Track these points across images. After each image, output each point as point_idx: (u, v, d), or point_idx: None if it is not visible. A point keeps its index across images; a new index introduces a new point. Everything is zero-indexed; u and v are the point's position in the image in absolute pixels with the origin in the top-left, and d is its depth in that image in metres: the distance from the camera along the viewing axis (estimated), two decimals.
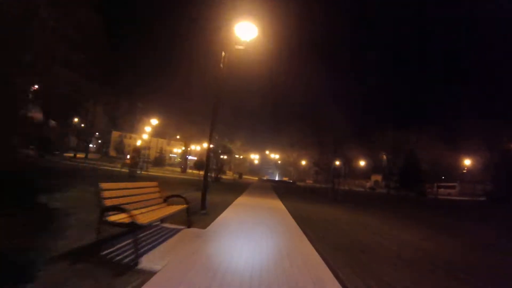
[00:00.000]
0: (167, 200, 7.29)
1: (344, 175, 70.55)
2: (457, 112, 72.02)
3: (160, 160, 67.45)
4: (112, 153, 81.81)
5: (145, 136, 66.04)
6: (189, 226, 7.17)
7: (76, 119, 60.55)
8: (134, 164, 20.85)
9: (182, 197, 7.59)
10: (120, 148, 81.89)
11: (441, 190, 55.13)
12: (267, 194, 22.43)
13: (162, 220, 7.20)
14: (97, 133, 73.94)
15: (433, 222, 14.00)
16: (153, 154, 74.73)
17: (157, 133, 75.19)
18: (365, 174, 79.92)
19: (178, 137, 75.90)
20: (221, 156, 33.15)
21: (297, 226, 8.73)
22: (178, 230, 6.80)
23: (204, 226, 7.52)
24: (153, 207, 6.44)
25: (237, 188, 25.05)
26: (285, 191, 29.38)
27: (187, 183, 23.28)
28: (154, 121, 40.35)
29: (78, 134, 59.62)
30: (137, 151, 22.76)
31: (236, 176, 58.04)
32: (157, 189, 7.16)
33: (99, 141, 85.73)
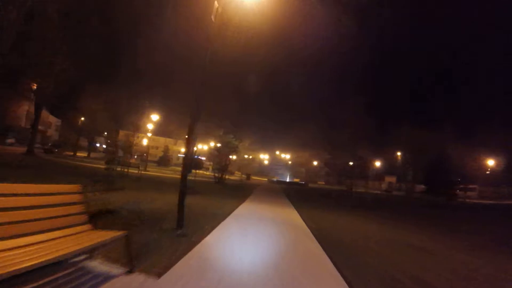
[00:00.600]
0: (95, 219, 3.93)
1: (357, 177, 67.55)
2: (476, 112, 67.76)
3: (165, 160, 64.53)
4: (121, 153, 79.26)
5: (149, 135, 63.45)
6: (130, 270, 3.82)
7: (82, 119, 59.52)
8: (110, 159, 17.60)
9: (123, 213, 4.27)
10: (127, 149, 79.13)
11: (461, 193, 50.99)
12: (278, 199, 19.09)
13: (91, 251, 3.90)
14: (105, 133, 71.69)
15: None
16: (159, 154, 72.25)
17: (163, 132, 72.82)
18: (378, 175, 75.89)
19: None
20: (229, 155, 29.80)
21: (332, 266, 5.12)
22: (105, 279, 3.48)
23: (164, 267, 4.14)
24: (60, 233, 3.21)
25: (242, 191, 21.70)
26: (297, 194, 25.92)
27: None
28: (155, 117, 37.23)
29: (80, 133, 57.14)
30: (114, 144, 19.42)
31: (244, 177, 54.57)
32: (77, 197, 3.83)
33: (108, 141, 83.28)
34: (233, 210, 10.88)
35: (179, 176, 24.76)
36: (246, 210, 11.66)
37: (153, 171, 36.61)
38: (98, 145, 67.89)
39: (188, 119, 8.02)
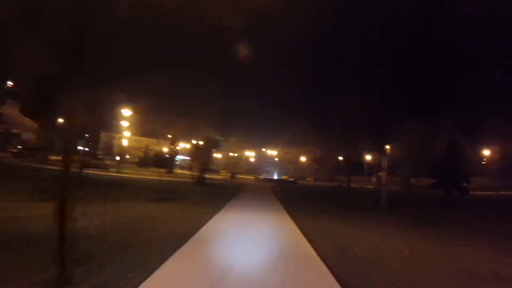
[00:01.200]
0: None
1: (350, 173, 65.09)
2: (474, 101, 65.54)
3: (146, 161, 60.79)
4: (100, 154, 76.05)
5: (126, 134, 59.69)
6: None
7: (60, 120, 55.92)
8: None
9: None
10: (109, 150, 76.93)
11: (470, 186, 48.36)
12: (267, 202, 16.03)
13: None
14: (86, 135, 67.59)
15: None
16: (140, 154, 68.68)
17: (144, 132, 69.35)
18: (370, 170, 73.12)
19: (169, 136, 69.95)
20: (211, 152, 26.47)
21: None
22: None
23: None
24: None
25: (224, 193, 18.43)
26: (290, 194, 22.64)
27: (153, 188, 16.68)
28: (127, 112, 33.53)
29: (60, 135, 53.05)
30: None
31: (228, 176, 51.14)
32: None
33: (90, 143, 78.96)
34: (202, 225, 7.64)
35: (159, 178, 21.28)
36: (223, 223, 8.56)
37: (128, 173, 32.97)
38: (80, 148, 63.39)
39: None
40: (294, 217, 10.33)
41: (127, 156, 66.82)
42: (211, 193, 18.08)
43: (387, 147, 65.73)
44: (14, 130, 54.91)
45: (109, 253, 4.57)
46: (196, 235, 6.57)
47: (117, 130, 70.31)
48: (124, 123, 42.16)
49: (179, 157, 65.24)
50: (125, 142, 78.02)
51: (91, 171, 26.29)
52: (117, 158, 76.34)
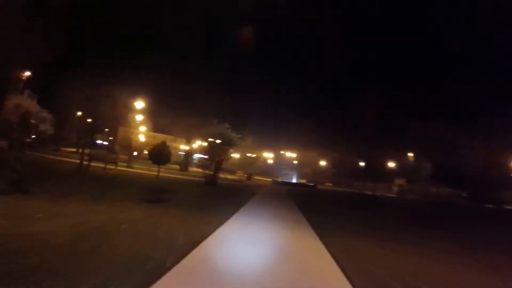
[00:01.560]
0: None
1: (369, 179, 62.32)
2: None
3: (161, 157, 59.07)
4: (118, 149, 75.95)
5: (142, 129, 58.50)
6: None
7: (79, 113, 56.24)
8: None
9: None
10: (127, 145, 76.79)
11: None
12: (284, 211, 13.43)
13: None
14: (106, 130, 67.36)
15: None
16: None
17: (161, 129, 68.63)
18: (386, 177, 69.66)
19: (185, 133, 69.13)
20: (224, 150, 24.39)
21: None
22: None
23: None
24: None
25: (235, 197, 16.19)
26: (311, 202, 20.13)
27: (155, 187, 14.67)
28: (140, 104, 31.81)
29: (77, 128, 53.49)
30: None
31: (244, 177, 48.95)
32: None
33: (110, 138, 78.81)
34: (190, 249, 5.35)
35: (170, 175, 18.98)
36: (220, 250, 6.05)
37: (139, 169, 31.31)
38: (100, 142, 62.70)
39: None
40: (327, 241, 7.26)
41: (145, 152, 66.52)
42: (220, 196, 15.85)
43: (410, 154, 62.75)
44: (31, 122, 55.02)
45: None
46: (181, 263, 4.40)
47: (133, 125, 70.04)
48: (139, 117, 40.66)
49: (196, 156, 63.90)
50: (142, 138, 77.59)
51: (99, 165, 24.88)
52: (135, 153, 76.15)
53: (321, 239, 7.35)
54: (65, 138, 53.02)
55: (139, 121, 43.53)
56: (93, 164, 24.73)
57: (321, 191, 42.63)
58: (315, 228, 8.84)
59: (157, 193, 11.98)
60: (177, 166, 52.00)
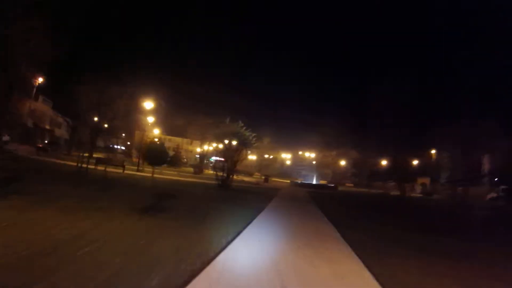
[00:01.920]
0: None
1: (393, 179, 59.32)
2: None
3: (176, 160, 58.35)
4: (134, 153, 75.79)
5: (156, 132, 57.34)
6: None
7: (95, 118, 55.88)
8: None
9: None
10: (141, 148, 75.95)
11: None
12: (310, 222, 10.75)
13: None
14: (123, 134, 66.72)
15: None
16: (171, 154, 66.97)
17: (177, 132, 67.77)
18: (409, 177, 66.04)
19: (200, 135, 68.22)
20: (239, 150, 22.31)
21: None
22: None
23: None
24: None
25: (250, 203, 14.02)
26: (339, 207, 17.56)
27: (161, 192, 12.70)
28: (149, 105, 30.07)
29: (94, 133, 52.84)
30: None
31: (261, 179, 46.70)
32: None
33: (128, 143, 78.33)
34: None
35: (184, 178, 15.66)
36: None
37: (150, 172, 29.58)
38: (117, 146, 61.84)
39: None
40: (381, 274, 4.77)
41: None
42: (233, 201, 13.71)
43: (433, 151, 59.43)
44: (46, 127, 54.67)
45: None
46: None
47: (148, 128, 69.27)
48: (150, 119, 39.17)
49: (213, 158, 62.72)
50: (156, 141, 76.28)
51: (110, 169, 23.37)
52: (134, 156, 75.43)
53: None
54: (81, 142, 52.37)
55: (153, 123, 41.86)
56: (100, 167, 23.31)
57: (343, 193, 39.75)
58: (364, 258, 5.71)
59: (161, 199, 10.06)
60: (191, 169, 50.39)
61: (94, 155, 38.63)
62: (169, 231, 6.44)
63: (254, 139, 21.47)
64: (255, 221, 8.92)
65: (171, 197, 11.24)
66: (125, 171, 25.30)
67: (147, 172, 29.74)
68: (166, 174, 30.66)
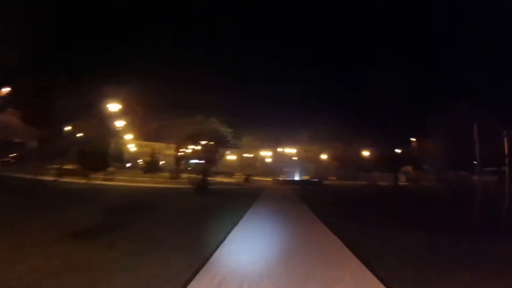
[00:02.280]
0: None
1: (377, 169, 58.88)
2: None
3: (152, 166, 56.22)
4: (110, 161, 72.11)
5: (128, 137, 54.55)
6: None
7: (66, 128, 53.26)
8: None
9: None
10: (119, 156, 72.98)
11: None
12: (304, 227, 8.87)
13: None
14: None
15: None
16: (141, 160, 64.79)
17: (151, 136, 64.92)
18: (393, 165, 65.80)
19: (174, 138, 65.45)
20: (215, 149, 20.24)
21: None
22: None
23: None
24: None
25: (229, 209, 11.86)
26: (331, 205, 14.97)
27: (125, 203, 10.49)
28: (115, 107, 27.49)
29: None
30: None
31: (242, 179, 44.41)
32: None
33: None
34: None
35: (149, 185, 14.44)
36: None
37: (120, 180, 27.11)
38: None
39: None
40: None
41: (140, 162, 63.37)
42: (208, 209, 11.56)
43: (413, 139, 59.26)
44: (15, 140, 51.46)
45: None
46: None
47: (122, 135, 66.09)
48: (120, 123, 36.49)
49: (193, 161, 60.25)
50: (132, 147, 73.65)
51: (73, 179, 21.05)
52: (128, 164, 72.52)
53: None
54: (53, 153, 49.32)
55: (126, 129, 39.31)
56: (64, 179, 20.85)
57: (329, 187, 37.81)
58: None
59: (118, 214, 7.85)
60: (168, 174, 47.92)
61: (68, 167, 35.90)
62: (91, 268, 4.31)
63: (231, 136, 19.33)
64: (235, 230, 6.85)
65: (132, 211, 9.04)
66: (93, 181, 22.85)
67: (118, 180, 27.18)
68: (139, 181, 28.27)
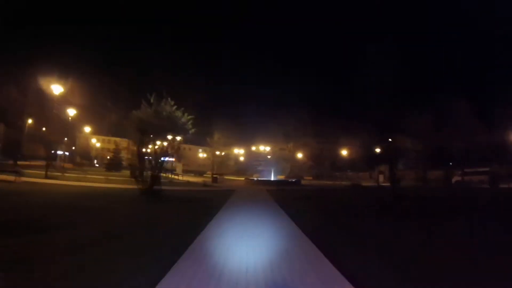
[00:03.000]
0: None
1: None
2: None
3: (115, 164, 51.82)
4: (78, 159, 67.37)
5: (87, 129, 49.83)
6: None
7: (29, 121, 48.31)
8: None
9: None
10: (86, 153, 70.07)
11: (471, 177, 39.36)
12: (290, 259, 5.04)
13: None
14: (65, 139, 58.00)
15: None
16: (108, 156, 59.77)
17: (113, 132, 60.90)
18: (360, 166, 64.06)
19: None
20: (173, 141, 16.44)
21: None
22: None
23: None
24: None
25: (182, 223, 8.10)
26: (321, 213, 10.33)
27: (48, 212, 6.49)
28: (58, 89, 22.94)
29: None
30: None
31: (208, 178, 40.18)
32: None
33: (73, 148, 68.32)
34: None
35: (100, 185, 10.52)
36: None
37: (73, 179, 22.77)
38: (61, 152, 52.52)
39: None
40: None
41: (108, 158, 59.49)
42: (150, 223, 7.73)
43: (390, 139, 57.58)
44: None
45: None
46: None
47: (83, 130, 60.96)
48: (71, 111, 31.98)
49: (164, 159, 56.10)
50: (95, 143, 68.68)
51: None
52: (95, 162, 67.96)
53: None
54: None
55: (82, 121, 34.92)
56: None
57: (310, 189, 33.42)
58: None
59: (26, 233, 4.16)
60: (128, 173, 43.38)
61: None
62: None
63: (190, 123, 15.57)
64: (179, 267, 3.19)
65: (47, 226, 5.34)
66: (30, 179, 18.96)
67: (68, 179, 22.92)
68: (89, 180, 24.04)
